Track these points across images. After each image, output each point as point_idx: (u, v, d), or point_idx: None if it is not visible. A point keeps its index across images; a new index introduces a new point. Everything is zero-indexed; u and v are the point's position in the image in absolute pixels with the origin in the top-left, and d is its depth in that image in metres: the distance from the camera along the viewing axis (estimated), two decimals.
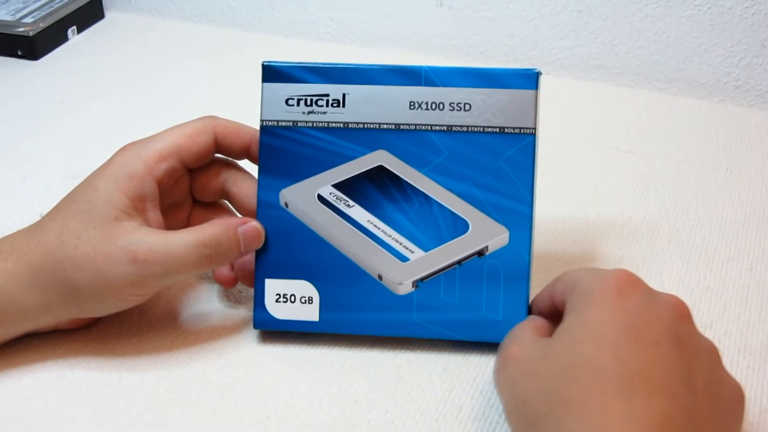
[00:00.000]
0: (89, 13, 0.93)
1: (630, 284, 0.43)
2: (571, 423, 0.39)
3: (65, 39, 0.90)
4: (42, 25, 0.87)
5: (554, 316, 0.47)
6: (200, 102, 0.79)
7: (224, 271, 0.54)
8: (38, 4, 0.90)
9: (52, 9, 0.89)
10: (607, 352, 0.40)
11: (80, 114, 0.78)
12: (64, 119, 0.77)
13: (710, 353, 0.42)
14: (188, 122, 0.52)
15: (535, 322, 0.47)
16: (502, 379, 0.45)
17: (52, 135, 0.75)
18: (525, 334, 0.46)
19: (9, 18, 0.87)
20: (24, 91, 0.82)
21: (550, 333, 0.45)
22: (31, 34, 0.86)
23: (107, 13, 0.95)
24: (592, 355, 0.40)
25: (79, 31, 0.91)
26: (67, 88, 0.82)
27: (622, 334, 0.40)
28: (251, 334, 0.53)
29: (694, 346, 0.42)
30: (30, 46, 0.86)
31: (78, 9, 0.91)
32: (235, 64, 0.86)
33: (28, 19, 0.87)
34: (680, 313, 0.43)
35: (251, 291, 0.54)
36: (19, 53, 0.86)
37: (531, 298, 0.50)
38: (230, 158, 0.55)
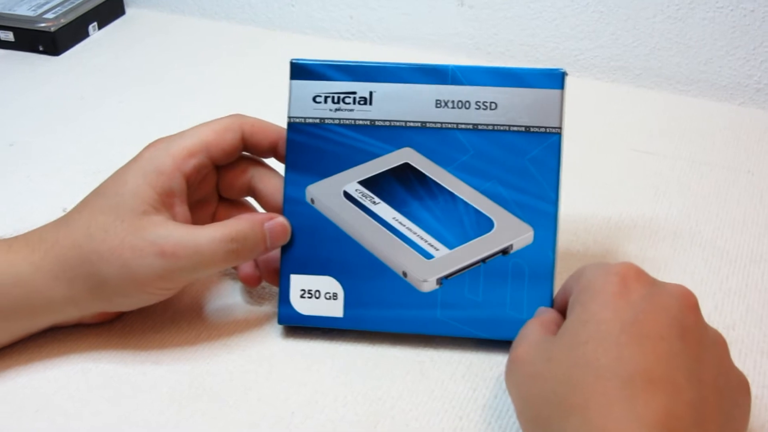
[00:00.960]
0: (110, 10, 0.93)
1: (634, 277, 0.43)
2: (572, 426, 0.38)
3: (86, 35, 0.90)
4: (63, 21, 0.87)
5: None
6: (220, 98, 0.80)
7: (249, 269, 0.54)
8: (59, 0, 0.90)
9: (73, 5, 0.90)
10: (608, 351, 0.40)
11: (101, 109, 0.79)
12: (85, 115, 0.78)
13: (717, 345, 0.42)
14: (216, 120, 0.53)
15: (544, 317, 0.47)
16: (509, 380, 0.45)
17: (73, 130, 0.75)
18: (532, 333, 0.45)
19: (31, 13, 0.88)
20: (45, 86, 0.82)
21: (560, 326, 0.44)
22: (52, 29, 0.86)
23: (128, 10, 0.96)
24: (594, 356, 0.40)
25: (100, 27, 0.92)
26: (87, 84, 0.83)
27: (625, 330, 0.40)
28: (275, 330, 0.53)
29: (701, 339, 0.41)
30: (51, 41, 0.86)
31: (99, 5, 0.91)
32: (255, 61, 0.86)
33: (50, 15, 0.88)
34: (687, 303, 0.42)
35: (275, 287, 0.54)
36: (41, 48, 0.87)
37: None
38: (256, 156, 0.55)
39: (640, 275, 0.43)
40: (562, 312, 0.47)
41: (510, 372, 0.45)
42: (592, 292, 0.43)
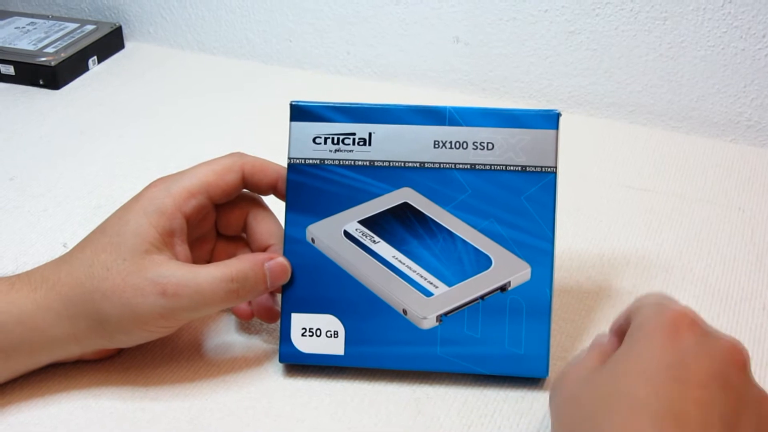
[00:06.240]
0: (109, 44, 0.94)
1: (687, 323, 0.43)
2: None
3: (86, 69, 0.91)
4: (63, 55, 0.88)
5: None
6: (218, 132, 0.80)
7: (241, 305, 0.54)
8: (60, 34, 0.91)
9: (73, 39, 0.91)
10: (644, 386, 0.40)
11: (101, 143, 0.79)
12: (85, 148, 0.78)
13: (762, 405, 0.42)
14: (216, 159, 0.53)
15: (603, 347, 0.47)
16: (551, 398, 0.46)
17: (73, 164, 0.76)
18: (587, 359, 0.46)
19: (31, 48, 0.89)
20: (45, 120, 0.83)
21: None
22: (52, 63, 0.87)
23: (127, 44, 0.97)
24: (630, 389, 0.41)
25: (100, 61, 0.93)
26: (87, 118, 0.83)
27: (665, 371, 0.41)
28: (273, 367, 0.54)
29: (743, 395, 0.41)
30: (51, 75, 0.87)
31: (98, 39, 0.92)
32: (253, 95, 0.87)
33: (50, 49, 0.89)
34: (735, 359, 0.42)
35: (270, 324, 0.55)
36: (41, 82, 0.88)
37: (552, 332, 0.51)
38: (255, 194, 0.55)
39: (694, 324, 0.43)
40: (621, 335, 0.47)
41: (553, 390, 0.46)
42: (644, 331, 0.43)
